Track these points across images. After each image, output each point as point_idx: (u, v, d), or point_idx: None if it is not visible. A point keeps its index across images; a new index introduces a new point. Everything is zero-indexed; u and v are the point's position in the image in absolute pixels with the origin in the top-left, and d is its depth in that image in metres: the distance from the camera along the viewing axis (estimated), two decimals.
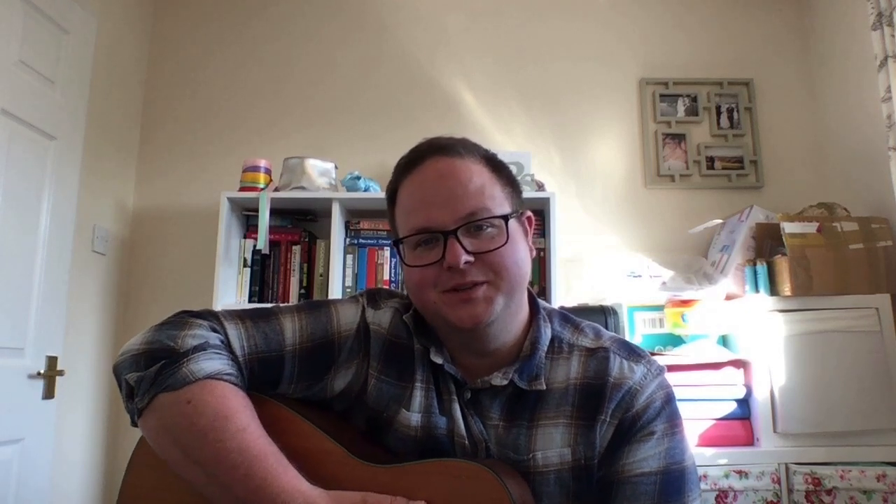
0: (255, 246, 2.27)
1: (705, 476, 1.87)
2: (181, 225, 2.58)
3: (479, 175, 0.82)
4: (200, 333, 0.81)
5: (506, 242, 0.80)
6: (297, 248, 2.34)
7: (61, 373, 2.03)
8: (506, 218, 0.81)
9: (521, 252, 0.83)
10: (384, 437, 0.86)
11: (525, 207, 0.89)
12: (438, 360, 0.85)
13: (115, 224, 2.48)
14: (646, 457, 0.80)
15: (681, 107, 2.65)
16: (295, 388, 0.87)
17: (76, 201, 2.17)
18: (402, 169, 0.85)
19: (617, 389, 0.82)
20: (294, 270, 2.32)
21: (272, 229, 2.29)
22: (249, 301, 2.28)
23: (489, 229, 0.80)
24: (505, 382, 0.83)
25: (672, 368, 1.99)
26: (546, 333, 0.87)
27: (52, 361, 2.01)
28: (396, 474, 0.77)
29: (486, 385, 0.84)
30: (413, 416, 0.84)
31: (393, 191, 0.87)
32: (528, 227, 0.88)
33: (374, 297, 0.92)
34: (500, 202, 0.82)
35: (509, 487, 0.72)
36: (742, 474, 1.88)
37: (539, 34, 2.71)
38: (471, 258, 0.78)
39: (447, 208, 0.79)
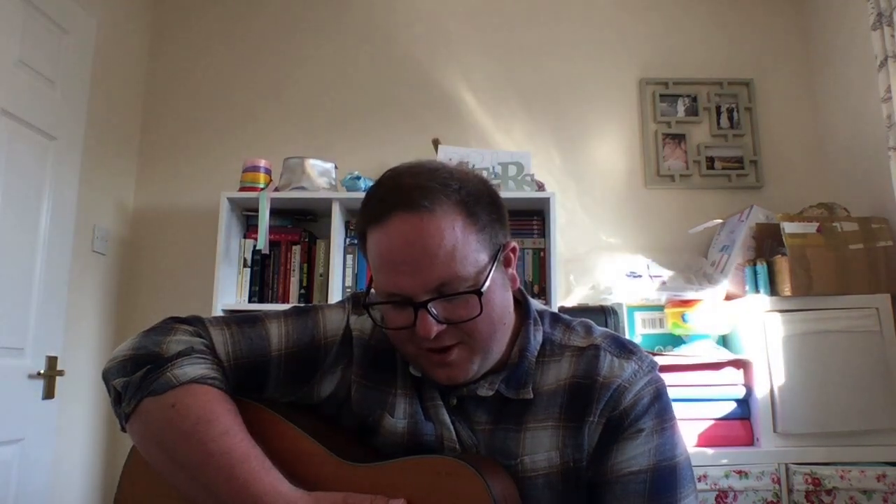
0: (255, 246, 2.27)
1: (705, 476, 1.87)
2: (181, 225, 2.58)
3: (449, 233, 0.74)
4: (185, 339, 0.82)
5: (479, 313, 0.75)
6: (297, 248, 2.34)
7: (61, 373, 2.03)
8: (478, 292, 0.74)
9: (496, 310, 0.78)
10: (373, 441, 0.86)
11: (510, 237, 0.83)
12: (417, 374, 0.85)
13: (115, 224, 2.48)
14: (635, 455, 0.78)
15: (681, 107, 2.65)
16: (281, 393, 0.87)
17: (76, 201, 2.17)
18: (368, 217, 0.78)
19: (606, 389, 0.80)
20: (294, 270, 2.32)
21: (272, 229, 2.28)
22: (250, 301, 2.28)
23: (462, 296, 0.75)
24: (490, 393, 0.82)
25: (672, 368, 1.99)
26: (536, 338, 0.85)
27: (52, 361, 2.01)
28: (378, 473, 0.77)
29: (471, 393, 0.83)
30: (399, 423, 0.84)
31: (361, 233, 0.80)
32: (512, 258, 0.83)
33: (358, 302, 0.91)
34: (475, 258, 0.75)
35: (489, 482, 0.71)
36: (742, 474, 1.88)
37: (539, 34, 2.71)
38: (442, 326, 0.75)
39: (415, 278, 0.73)
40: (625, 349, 0.84)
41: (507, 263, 0.82)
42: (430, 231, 0.73)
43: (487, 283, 0.76)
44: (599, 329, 0.88)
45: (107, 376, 0.81)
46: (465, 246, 0.75)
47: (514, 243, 0.84)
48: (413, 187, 0.75)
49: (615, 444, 0.79)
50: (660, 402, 0.81)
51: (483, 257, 0.77)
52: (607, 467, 0.79)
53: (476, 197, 0.78)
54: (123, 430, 0.80)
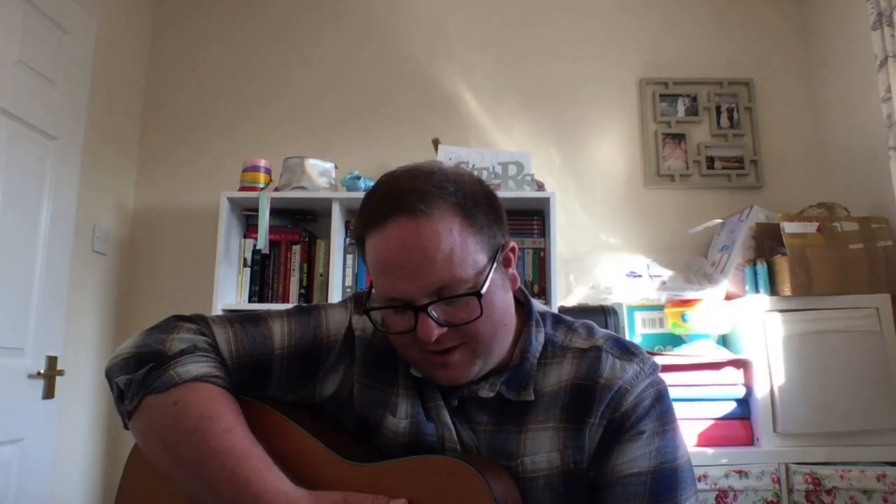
0: (255, 246, 2.27)
1: (705, 476, 1.87)
2: (181, 225, 2.58)
3: (446, 236, 0.74)
4: (188, 337, 0.82)
5: (480, 315, 0.75)
6: (297, 248, 2.34)
7: (61, 373, 2.03)
8: (478, 294, 0.74)
9: (497, 311, 0.79)
10: (375, 441, 0.86)
11: (509, 237, 0.83)
12: (418, 375, 0.85)
13: (115, 224, 2.48)
14: (635, 456, 0.78)
15: (681, 107, 2.65)
16: (284, 392, 0.87)
17: (76, 201, 2.17)
18: (366, 222, 0.78)
19: (607, 391, 0.80)
20: (294, 270, 2.32)
21: (272, 229, 2.28)
22: (249, 301, 2.28)
23: (462, 298, 0.75)
24: (492, 395, 0.83)
25: (672, 368, 1.99)
26: (538, 340, 0.85)
27: (52, 361, 2.01)
28: (379, 473, 0.77)
29: (472, 394, 0.83)
30: (400, 423, 0.84)
31: (360, 237, 0.80)
32: (511, 258, 0.83)
33: (361, 302, 0.91)
34: (473, 259, 0.75)
35: (490, 482, 0.71)
36: (742, 474, 1.88)
37: (539, 34, 2.71)
38: (443, 330, 0.75)
39: (414, 282, 0.74)
40: (626, 351, 0.84)
41: (506, 264, 0.82)
42: (427, 235, 0.74)
43: (487, 285, 0.76)
44: (601, 331, 0.88)
45: (110, 374, 0.81)
46: (464, 248, 0.75)
47: (513, 243, 0.84)
48: (409, 191, 0.75)
49: (616, 446, 0.79)
50: (661, 405, 0.81)
51: (482, 259, 0.77)
52: (608, 469, 0.79)
53: (473, 199, 0.78)
54: (126, 427, 0.80)
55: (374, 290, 0.80)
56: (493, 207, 0.80)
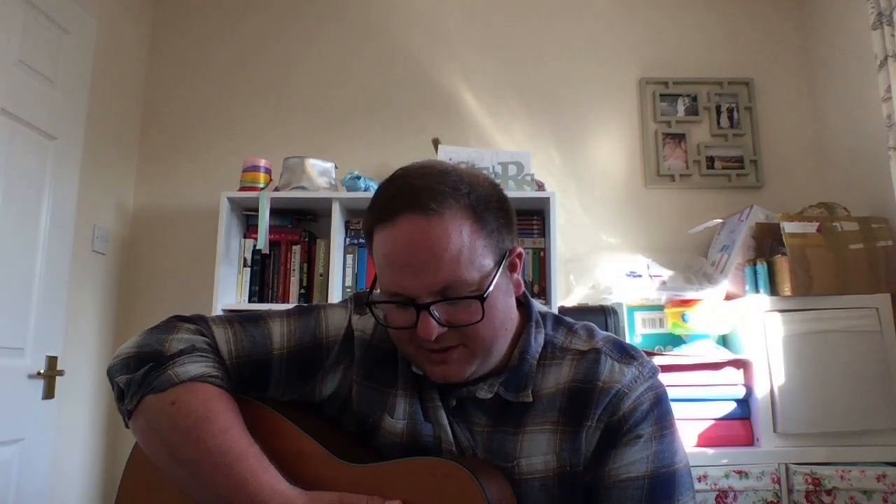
0: (255, 246, 2.27)
1: (705, 476, 1.87)
2: (181, 225, 2.58)
3: (456, 237, 0.74)
4: (187, 337, 0.82)
5: (481, 319, 0.75)
6: (297, 248, 2.34)
7: (61, 373, 2.03)
8: (481, 297, 0.74)
9: (498, 316, 0.79)
10: (373, 441, 0.86)
11: (517, 241, 0.83)
12: (419, 372, 0.85)
13: (115, 224, 2.48)
14: (633, 461, 0.78)
15: (681, 106, 2.65)
16: (283, 392, 0.87)
17: (76, 201, 2.17)
18: (376, 216, 0.78)
19: (605, 394, 0.80)
20: (294, 270, 2.32)
21: (272, 229, 2.28)
22: (249, 301, 2.28)
23: (465, 300, 0.75)
24: (490, 395, 0.82)
25: (672, 368, 1.99)
26: (538, 341, 0.85)
27: (52, 361, 2.01)
28: (375, 473, 0.77)
29: (471, 395, 0.83)
30: (398, 424, 0.84)
31: (368, 232, 0.80)
32: (517, 263, 0.83)
33: (361, 302, 0.91)
34: (480, 262, 0.75)
35: (484, 485, 0.71)
36: (742, 474, 1.88)
37: (539, 34, 2.71)
38: (443, 329, 0.75)
39: (419, 279, 0.74)
40: (626, 354, 0.84)
41: (512, 269, 0.83)
42: (436, 234, 0.73)
43: (491, 289, 0.76)
44: (602, 333, 0.88)
45: (111, 373, 0.82)
46: (472, 251, 0.75)
47: (520, 248, 0.84)
48: (422, 189, 0.75)
49: (613, 450, 0.79)
50: (659, 409, 0.81)
51: (488, 262, 0.77)
52: (605, 472, 0.79)
53: (485, 202, 0.78)
54: (127, 426, 0.81)
55: (377, 284, 0.80)
56: (504, 212, 0.81)
